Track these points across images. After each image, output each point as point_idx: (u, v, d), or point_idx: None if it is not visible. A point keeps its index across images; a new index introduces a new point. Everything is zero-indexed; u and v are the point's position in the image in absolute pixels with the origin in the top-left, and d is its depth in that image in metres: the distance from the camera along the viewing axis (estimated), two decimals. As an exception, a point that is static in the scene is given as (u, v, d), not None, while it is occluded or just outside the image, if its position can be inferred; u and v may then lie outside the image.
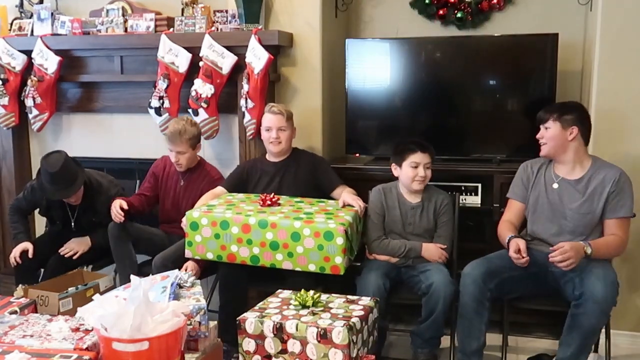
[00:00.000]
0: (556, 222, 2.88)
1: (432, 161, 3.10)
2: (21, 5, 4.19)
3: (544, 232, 2.90)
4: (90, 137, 4.13)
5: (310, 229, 2.78)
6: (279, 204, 3.07)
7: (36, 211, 3.78)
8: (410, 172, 3.06)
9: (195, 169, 3.51)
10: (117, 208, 3.29)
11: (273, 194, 3.11)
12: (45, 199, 3.52)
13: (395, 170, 3.14)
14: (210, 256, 2.98)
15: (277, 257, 2.85)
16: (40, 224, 3.78)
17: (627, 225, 2.86)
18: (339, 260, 2.77)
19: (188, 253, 3.02)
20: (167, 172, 3.56)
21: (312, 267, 2.82)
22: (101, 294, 2.92)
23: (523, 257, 2.77)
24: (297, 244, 2.81)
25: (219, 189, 3.36)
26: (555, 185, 2.90)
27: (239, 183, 3.39)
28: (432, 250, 3.06)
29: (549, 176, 2.94)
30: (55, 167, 3.30)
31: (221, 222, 2.90)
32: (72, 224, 3.57)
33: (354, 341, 2.21)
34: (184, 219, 3.05)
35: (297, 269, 2.84)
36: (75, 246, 3.49)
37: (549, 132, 2.88)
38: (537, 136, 2.94)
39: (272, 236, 2.83)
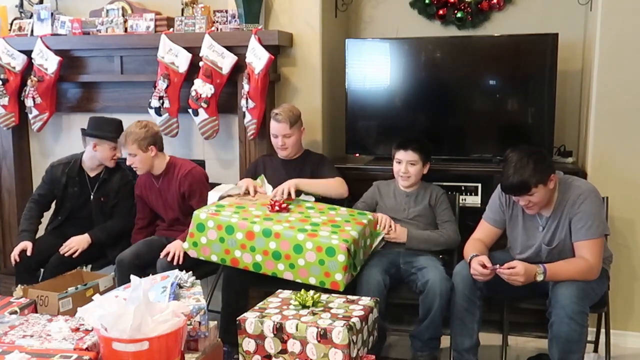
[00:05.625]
0: (536, 253, 2.85)
1: (420, 158, 3.15)
2: (21, 5, 4.19)
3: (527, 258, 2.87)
4: (91, 137, 4.12)
5: (313, 242, 2.77)
6: (289, 210, 3.05)
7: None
8: (396, 168, 3.20)
9: (167, 172, 3.47)
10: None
11: (283, 199, 3.09)
12: (66, 174, 3.62)
13: (393, 167, 3.26)
14: (214, 258, 2.97)
15: (278, 266, 2.84)
16: (43, 220, 3.78)
17: (595, 247, 2.69)
18: (339, 277, 2.76)
19: (193, 253, 3.02)
20: (146, 187, 3.53)
21: (312, 281, 2.80)
22: (101, 294, 2.92)
23: (487, 270, 2.69)
24: (299, 256, 2.79)
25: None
26: (540, 228, 2.84)
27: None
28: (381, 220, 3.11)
29: (531, 215, 2.84)
30: (115, 119, 3.66)
31: (226, 227, 2.89)
32: (92, 196, 3.62)
33: (354, 341, 2.21)
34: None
35: (298, 280, 2.83)
36: (75, 244, 3.50)
37: (537, 197, 2.69)
38: (521, 204, 2.77)
39: (275, 246, 2.82)
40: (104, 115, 3.92)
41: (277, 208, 3.01)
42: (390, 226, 3.11)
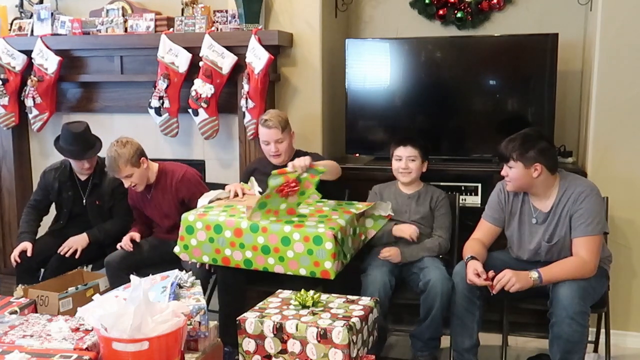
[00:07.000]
0: (535, 250, 2.87)
1: (419, 154, 3.16)
2: (21, 5, 4.19)
3: (526, 257, 2.91)
4: (90, 137, 4.12)
5: (300, 233, 2.76)
6: (298, 189, 3.00)
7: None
8: (396, 165, 3.20)
9: (158, 181, 3.44)
10: (128, 240, 3.38)
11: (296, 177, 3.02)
12: (58, 179, 3.61)
13: (392, 165, 3.25)
14: (206, 259, 2.97)
15: (269, 261, 2.84)
16: (43, 224, 3.78)
17: (592, 244, 2.71)
18: (328, 265, 2.75)
19: (185, 256, 3.01)
20: (138, 198, 3.51)
21: (302, 272, 2.80)
22: (101, 294, 2.92)
23: (484, 280, 2.70)
24: (287, 248, 2.79)
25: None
26: (534, 220, 2.86)
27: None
28: (404, 228, 3.08)
29: (528, 209, 2.88)
30: (78, 129, 3.51)
31: (215, 226, 2.89)
32: (84, 201, 3.61)
33: (354, 341, 2.21)
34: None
35: (289, 273, 2.82)
36: (74, 244, 3.50)
37: (513, 172, 2.78)
38: (502, 173, 2.86)
39: (264, 240, 2.82)
40: (104, 115, 3.94)
41: (287, 190, 2.86)
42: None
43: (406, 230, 3.07)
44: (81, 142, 3.50)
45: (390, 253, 3.07)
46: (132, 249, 3.36)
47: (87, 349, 1.97)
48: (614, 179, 3.23)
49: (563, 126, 3.69)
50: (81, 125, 3.55)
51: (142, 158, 3.33)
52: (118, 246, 3.40)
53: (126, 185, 3.35)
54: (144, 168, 3.34)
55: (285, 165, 3.31)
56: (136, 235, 3.42)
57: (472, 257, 2.80)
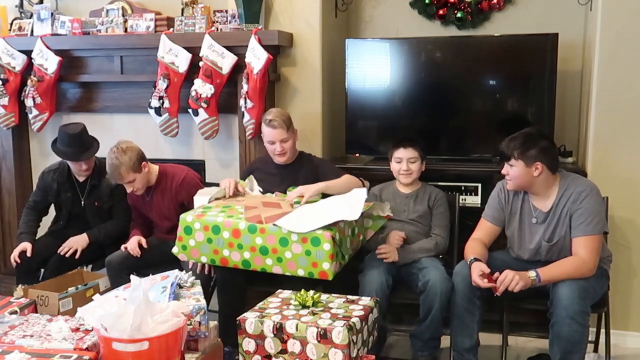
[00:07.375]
0: (535, 250, 2.87)
1: (419, 155, 3.18)
2: (21, 5, 4.19)
3: (527, 257, 2.91)
4: (90, 137, 4.12)
5: (298, 234, 2.75)
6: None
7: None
8: (396, 167, 3.21)
9: (158, 184, 3.44)
10: (136, 245, 3.36)
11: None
12: (56, 180, 3.60)
13: (390, 166, 3.26)
14: (204, 260, 2.96)
15: (267, 261, 2.84)
16: (43, 224, 3.78)
17: (591, 243, 2.71)
18: (326, 266, 2.75)
19: (183, 257, 3.01)
20: (137, 199, 3.50)
21: (301, 272, 2.80)
22: (101, 294, 2.92)
23: (488, 281, 2.70)
24: (285, 249, 2.78)
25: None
26: (534, 220, 2.86)
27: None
28: (390, 237, 3.12)
29: (527, 208, 2.89)
30: (74, 130, 3.50)
31: (213, 227, 2.88)
32: (82, 202, 3.61)
33: (354, 341, 2.21)
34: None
35: (287, 273, 2.82)
36: (74, 244, 3.50)
37: (514, 171, 2.79)
38: (502, 172, 2.87)
39: (262, 241, 2.82)
40: (104, 115, 3.93)
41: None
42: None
43: (392, 240, 3.11)
44: (78, 144, 3.49)
45: (385, 250, 3.08)
46: (139, 255, 3.34)
47: (87, 349, 1.97)
48: (614, 179, 3.23)
49: (563, 126, 3.69)
50: (78, 126, 3.54)
51: (143, 162, 3.32)
52: (122, 247, 3.39)
53: (128, 190, 3.35)
54: (145, 172, 3.34)
55: (289, 165, 3.32)
56: (143, 240, 3.41)
57: (476, 259, 2.80)
